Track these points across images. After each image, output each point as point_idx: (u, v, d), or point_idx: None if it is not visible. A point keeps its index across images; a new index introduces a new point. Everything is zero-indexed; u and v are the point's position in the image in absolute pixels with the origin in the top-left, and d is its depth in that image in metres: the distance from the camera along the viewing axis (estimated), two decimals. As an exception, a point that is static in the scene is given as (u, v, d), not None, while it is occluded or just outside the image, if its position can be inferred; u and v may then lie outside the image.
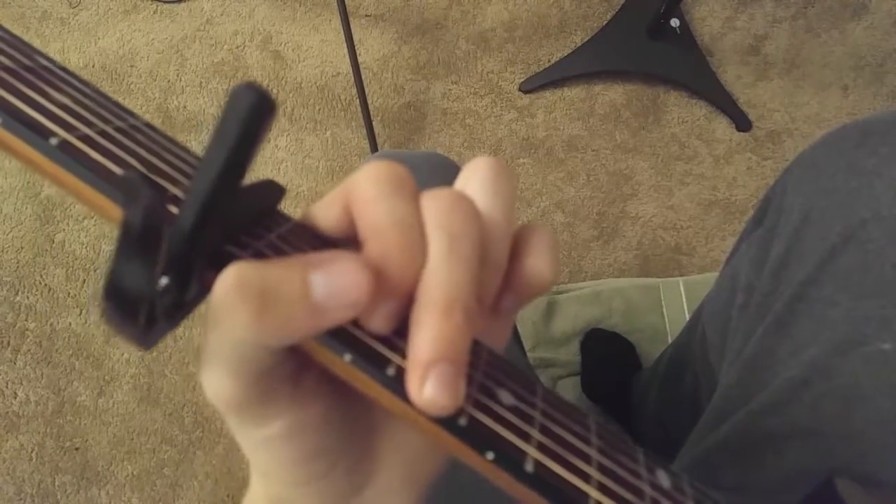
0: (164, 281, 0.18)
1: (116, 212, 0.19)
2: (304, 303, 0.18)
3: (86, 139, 0.20)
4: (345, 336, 0.19)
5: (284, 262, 0.19)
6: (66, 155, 0.19)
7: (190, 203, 0.18)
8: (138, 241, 0.18)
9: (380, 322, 0.20)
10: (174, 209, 0.19)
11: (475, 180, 0.23)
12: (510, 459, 0.19)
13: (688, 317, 1.12)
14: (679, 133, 1.32)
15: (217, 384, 0.20)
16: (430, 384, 0.18)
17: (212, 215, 0.18)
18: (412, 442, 0.24)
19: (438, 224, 0.20)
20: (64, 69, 0.23)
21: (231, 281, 0.18)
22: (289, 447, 0.21)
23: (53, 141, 0.19)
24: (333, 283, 0.18)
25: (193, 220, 0.18)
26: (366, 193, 0.21)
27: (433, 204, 0.21)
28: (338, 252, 0.19)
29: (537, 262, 0.22)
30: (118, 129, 0.21)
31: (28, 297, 1.19)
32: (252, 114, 0.17)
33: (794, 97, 1.36)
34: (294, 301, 0.18)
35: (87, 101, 0.21)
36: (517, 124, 1.32)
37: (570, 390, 1.12)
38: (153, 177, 0.20)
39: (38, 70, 0.22)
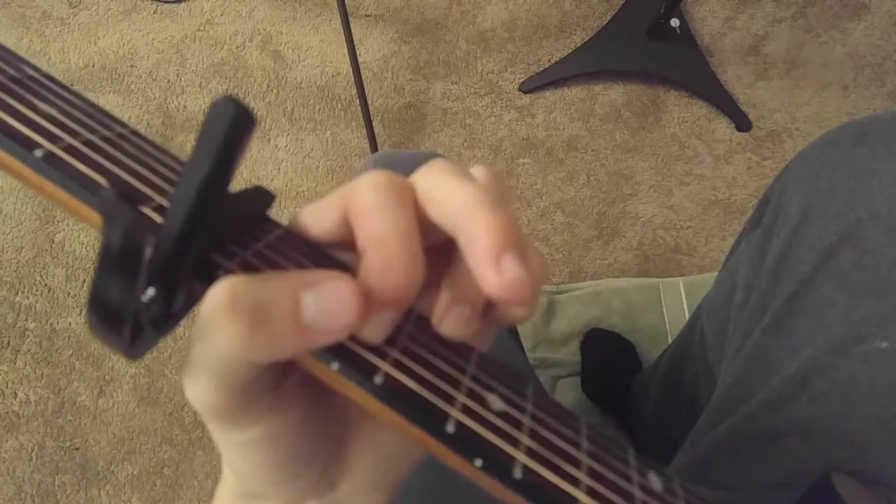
0: (150, 292, 0.18)
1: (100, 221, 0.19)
2: (295, 324, 0.18)
3: (71, 150, 0.20)
4: (332, 344, 0.19)
5: (277, 279, 0.18)
6: (51, 167, 0.19)
7: (174, 214, 0.18)
8: (119, 260, 0.18)
9: (376, 333, 0.20)
10: (160, 219, 0.19)
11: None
12: (498, 466, 0.18)
13: (688, 317, 1.12)
14: (679, 133, 1.32)
15: (199, 392, 0.19)
16: (507, 266, 0.19)
17: (197, 225, 0.18)
18: (384, 443, 0.24)
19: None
20: (50, 78, 0.23)
21: (222, 297, 0.17)
22: (265, 451, 0.21)
23: (38, 153, 0.19)
24: (325, 305, 0.18)
25: (178, 231, 0.18)
26: (366, 202, 0.21)
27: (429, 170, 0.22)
28: (331, 272, 0.19)
29: None
30: (104, 139, 0.21)
31: (28, 297, 1.19)
32: (232, 128, 0.17)
33: (794, 97, 1.36)
34: (284, 321, 0.18)
35: (73, 111, 0.21)
36: (517, 124, 1.32)
37: (570, 390, 1.12)
38: (139, 185, 0.20)
39: (23, 80, 0.21)
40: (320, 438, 0.23)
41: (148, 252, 0.18)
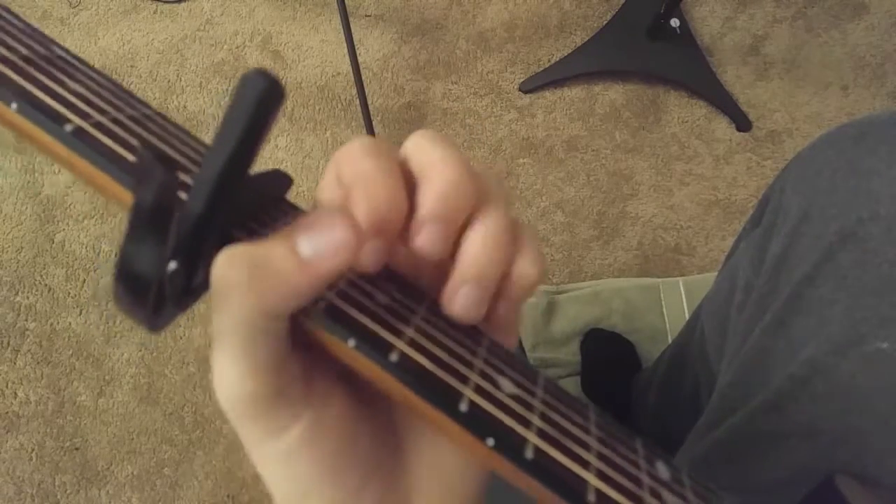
0: (172, 265, 0.18)
1: (128, 197, 0.19)
2: (294, 259, 0.18)
3: (99, 126, 0.20)
4: (349, 321, 0.20)
5: (271, 236, 0.19)
6: (80, 141, 0.20)
7: (199, 188, 0.18)
8: (149, 221, 0.18)
9: (370, 261, 0.21)
10: (184, 196, 0.20)
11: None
12: (510, 446, 0.19)
13: (688, 317, 1.12)
14: (679, 133, 1.32)
15: (230, 378, 0.19)
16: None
17: (220, 201, 0.18)
18: (448, 460, 0.23)
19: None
20: (79, 59, 0.23)
21: (222, 258, 0.18)
22: (310, 454, 0.21)
23: (68, 127, 0.20)
24: (319, 237, 0.19)
25: (202, 206, 0.18)
26: (350, 154, 0.22)
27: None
28: (319, 213, 0.20)
29: (524, 264, 0.23)
30: (131, 118, 0.22)
31: (28, 297, 1.19)
32: (262, 100, 0.17)
33: (794, 97, 1.36)
34: (282, 259, 0.18)
35: (101, 91, 0.22)
36: (517, 124, 1.32)
37: (569, 390, 1.12)
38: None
39: (54, 59, 0.22)
40: (369, 447, 0.22)
41: (172, 226, 0.18)
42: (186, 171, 0.21)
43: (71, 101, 0.21)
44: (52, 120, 0.20)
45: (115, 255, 0.20)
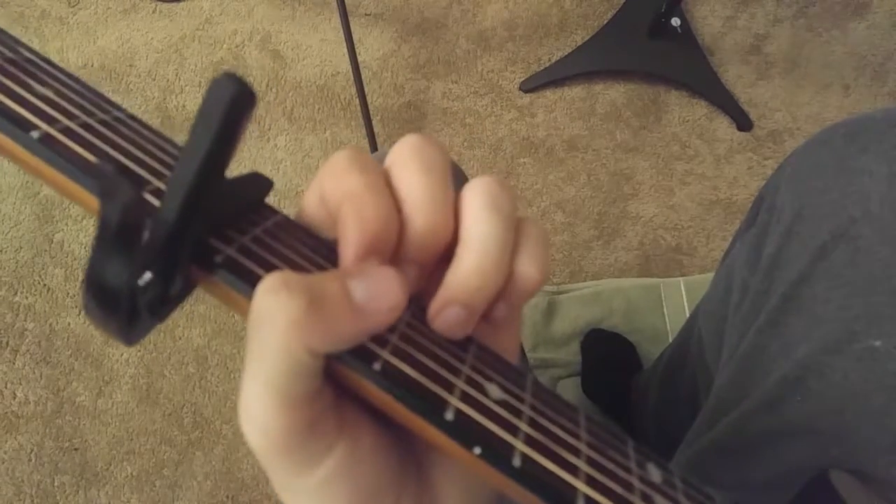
0: (147, 276, 0.17)
1: (98, 205, 0.19)
2: (348, 304, 0.18)
3: (68, 132, 0.20)
4: None
5: (319, 273, 0.19)
6: (48, 148, 0.19)
7: (172, 196, 0.17)
8: (116, 238, 0.17)
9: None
10: (157, 202, 0.19)
11: (475, 195, 0.22)
12: (497, 454, 0.18)
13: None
14: (680, 133, 1.32)
15: (260, 410, 0.18)
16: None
17: (195, 208, 0.18)
18: (465, 478, 0.23)
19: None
20: (47, 61, 0.22)
21: (275, 282, 0.18)
22: (346, 486, 0.19)
23: (34, 134, 0.19)
24: (372, 287, 0.19)
25: (176, 214, 0.17)
26: (335, 170, 0.22)
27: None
28: (369, 263, 0.20)
29: (525, 265, 0.22)
30: (102, 122, 0.21)
31: (27, 297, 1.19)
32: (232, 105, 0.17)
33: (795, 97, 1.35)
34: (338, 302, 0.18)
35: (70, 94, 0.21)
36: (517, 124, 1.32)
37: (570, 390, 1.12)
38: (137, 169, 0.20)
39: (20, 62, 0.21)
40: (398, 469, 0.21)
41: (145, 235, 0.18)
42: (161, 176, 0.20)
43: (38, 106, 0.20)
44: (17, 126, 0.19)
45: (85, 268, 0.19)
